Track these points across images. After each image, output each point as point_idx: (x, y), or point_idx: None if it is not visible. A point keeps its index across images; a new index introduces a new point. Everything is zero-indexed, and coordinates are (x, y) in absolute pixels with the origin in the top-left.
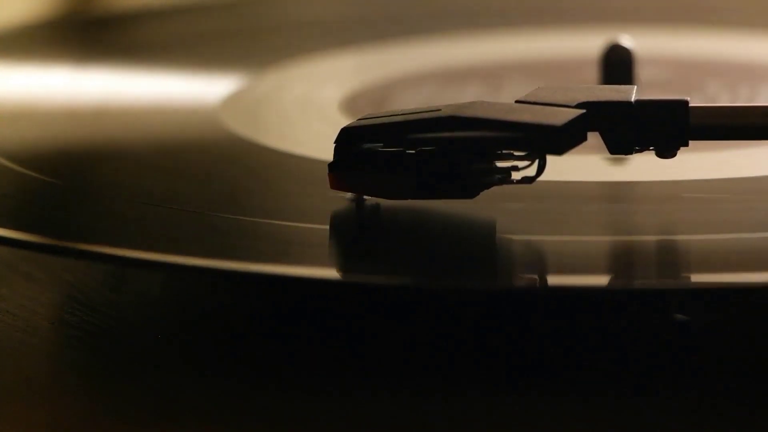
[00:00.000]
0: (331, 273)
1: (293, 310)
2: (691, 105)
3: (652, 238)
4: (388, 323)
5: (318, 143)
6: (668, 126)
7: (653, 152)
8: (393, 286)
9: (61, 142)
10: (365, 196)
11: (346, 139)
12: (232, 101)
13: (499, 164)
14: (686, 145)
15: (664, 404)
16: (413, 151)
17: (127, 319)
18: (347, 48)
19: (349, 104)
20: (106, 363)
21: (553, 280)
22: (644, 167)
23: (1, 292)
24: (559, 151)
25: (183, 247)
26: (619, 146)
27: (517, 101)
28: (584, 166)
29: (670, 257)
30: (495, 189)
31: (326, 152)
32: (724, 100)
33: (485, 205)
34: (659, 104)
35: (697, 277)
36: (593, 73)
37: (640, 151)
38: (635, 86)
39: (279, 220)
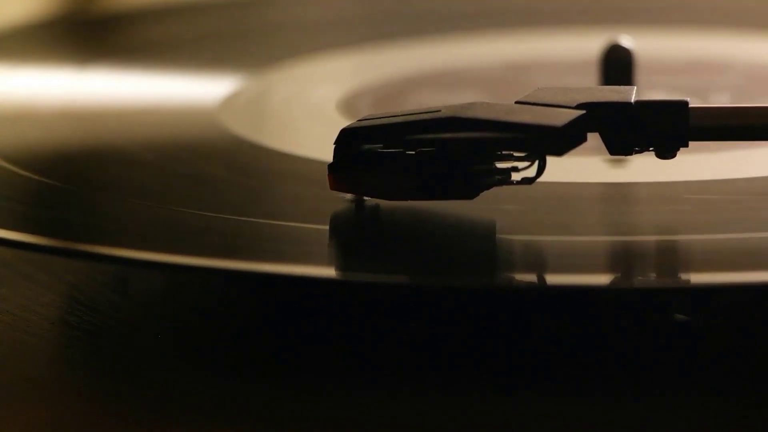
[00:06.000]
0: (331, 272)
1: (293, 309)
2: (690, 106)
3: (651, 238)
4: (387, 323)
5: (317, 144)
6: (668, 127)
7: (653, 153)
8: (393, 285)
9: (62, 143)
10: (365, 197)
11: (345, 139)
12: (231, 101)
13: (499, 165)
14: (686, 145)
15: (664, 404)
16: (413, 152)
17: (127, 319)
18: (347, 48)
19: (348, 105)
20: (106, 363)
21: (552, 279)
22: (644, 168)
23: (1, 292)
24: (559, 151)
25: (183, 247)
26: (619, 147)
27: (517, 102)
28: (584, 167)
29: (669, 257)
30: (495, 189)
31: (325, 153)
32: (724, 100)
33: (485, 206)
34: (659, 105)
35: (697, 277)
36: (593, 73)
37: (640, 151)
38: (635, 87)
39: (278, 220)
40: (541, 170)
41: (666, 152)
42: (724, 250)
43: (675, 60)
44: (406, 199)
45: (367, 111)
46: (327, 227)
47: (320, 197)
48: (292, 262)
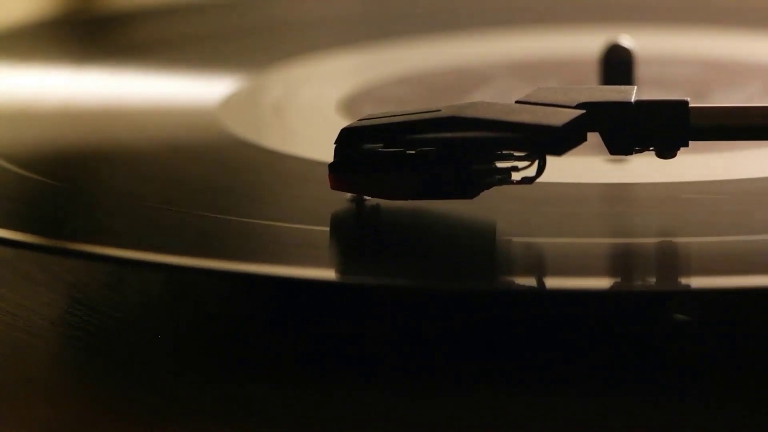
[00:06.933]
0: (331, 274)
1: (293, 310)
2: (691, 105)
3: (651, 239)
4: (387, 323)
5: (317, 144)
6: (668, 126)
7: (653, 152)
8: (393, 286)
9: (61, 142)
10: (365, 197)
11: (346, 139)
12: (231, 102)
13: (499, 165)
14: (686, 145)
15: (665, 404)
16: (413, 152)
17: (127, 319)
18: (347, 48)
19: (348, 104)
20: (106, 363)
21: (552, 281)
22: (644, 169)
23: (1, 292)
24: (559, 151)
25: (183, 248)
26: (619, 147)
27: (517, 102)
28: (584, 167)
29: (669, 259)
30: (495, 189)
31: (326, 153)
32: (724, 100)
33: (485, 206)
34: (659, 104)
35: (697, 280)
36: (593, 73)
37: (640, 151)
38: (635, 86)
39: (279, 221)
40: (541, 170)
41: (666, 152)
42: (725, 252)
43: (675, 60)
44: (407, 199)
45: (367, 111)
46: (327, 228)
47: (320, 198)
48: (292, 263)
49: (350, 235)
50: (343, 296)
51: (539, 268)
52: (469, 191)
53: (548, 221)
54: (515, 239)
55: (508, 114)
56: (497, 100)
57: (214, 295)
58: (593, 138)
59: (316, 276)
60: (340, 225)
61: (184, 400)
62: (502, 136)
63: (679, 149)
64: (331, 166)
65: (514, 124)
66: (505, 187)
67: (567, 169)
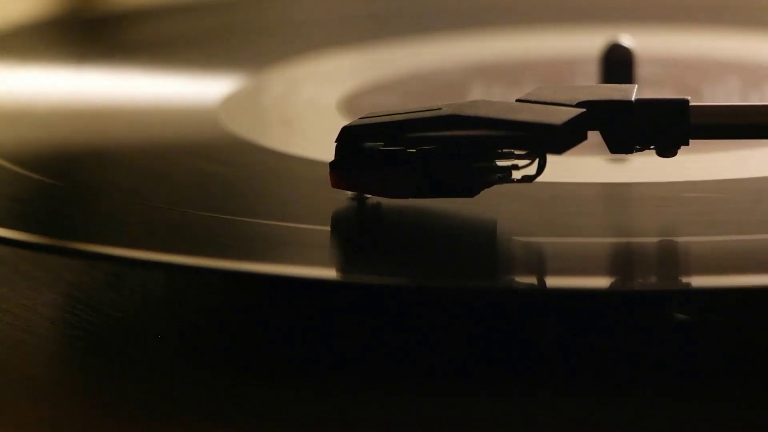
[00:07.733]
0: (332, 273)
1: (293, 310)
2: (691, 104)
3: (652, 239)
4: (387, 323)
5: (318, 143)
6: (669, 125)
7: (654, 151)
8: (394, 285)
9: (61, 142)
10: (366, 195)
11: (347, 137)
12: (231, 101)
13: (500, 163)
14: (687, 144)
15: (664, 404)
16: (414, 150)
17: (127, 319)
18: (347, 48)
19: (349, 104)
20: (106, 362)
21: (552, 281)
22: (644, 168)
23: (1, 292)
24: (559, 150)
25: (183, 247)
26: (620, 145)
27: (517, 100)
28: (584, 167)
29: (670, 258)
30: (495, 188)
31: (326, 152)
32: (723, 99)
33: (486, 205)
34: (660, 103)
35: (697, 279)
36: (593, 72)
37: (641, 150)
38: (636, 85)
39: (279, 220)
40: (541, 168)
41: (667, 150)
42: (725, 252)
43: (675, 59)
44: (407, 197)
45: (367, 110)
46: (328, 227)
47: (321, 197)
48: (293, 262)
49: (351, 234)
50: (344, 295)
51: (539, 267)
52: (469, 190)
53: (548, 220)
54: (515, 238)
55: (509, 112)
56: (497, 98)
57: (214, 294)
58: (593, 137)
59: (317, 275)
60: (341, 224)
61: (184, 400)
62: (503, 135)
63: (679, 148)
64: (331, 164)
65: (514, 122)
66: (505, 186)
67: (567, 168)
